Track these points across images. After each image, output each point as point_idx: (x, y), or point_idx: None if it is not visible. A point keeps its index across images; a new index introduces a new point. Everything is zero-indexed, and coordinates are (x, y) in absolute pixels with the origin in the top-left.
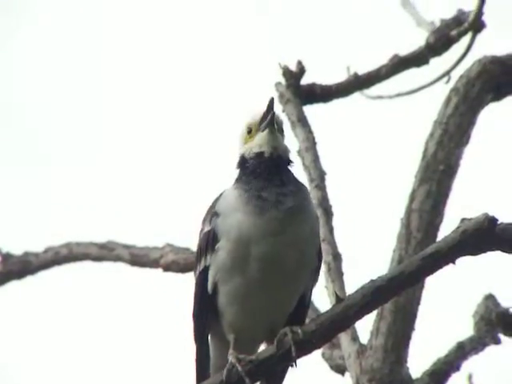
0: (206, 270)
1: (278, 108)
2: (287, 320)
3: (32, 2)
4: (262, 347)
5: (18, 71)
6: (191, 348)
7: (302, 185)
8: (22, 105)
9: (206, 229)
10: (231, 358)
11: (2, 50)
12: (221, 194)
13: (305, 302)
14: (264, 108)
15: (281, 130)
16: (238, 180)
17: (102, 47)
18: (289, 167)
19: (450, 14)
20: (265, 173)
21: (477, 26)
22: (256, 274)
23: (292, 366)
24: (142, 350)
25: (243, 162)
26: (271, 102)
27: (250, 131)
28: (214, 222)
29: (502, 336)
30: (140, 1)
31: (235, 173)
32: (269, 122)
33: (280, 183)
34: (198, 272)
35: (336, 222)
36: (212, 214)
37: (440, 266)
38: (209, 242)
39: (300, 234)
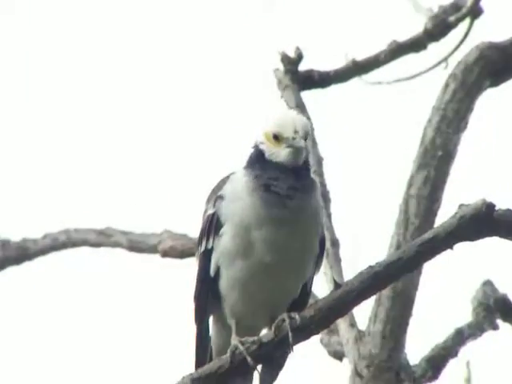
0: (207, 252)
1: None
2: (289, 307)
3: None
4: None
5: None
6: (191, 331)
7: (314, 180)
8: (20, 90)
9: (210, 211)
10: (234, 341)
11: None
12: (228, 176)
13: (306, 290)
14: (298, 129)
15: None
16: (249, 165)
17: (99, 41)
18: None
19: None
20: (282, 170)
21: (475, 11)
22: (259, 261)
23: (289, 351)
24: (140, 335)
25: (261, 155)
26: (305, 132)
27: (276, 137)
28: (218, 205)
29: (500, 322)
30: None
31: (247, 157)
32: (297, 149)
33: (294, 178)
34: (199, 254)
35: (334, 208)
36: (217, 196)
37: (438, 252)
38: (212, 224)
39: (304, 226)
